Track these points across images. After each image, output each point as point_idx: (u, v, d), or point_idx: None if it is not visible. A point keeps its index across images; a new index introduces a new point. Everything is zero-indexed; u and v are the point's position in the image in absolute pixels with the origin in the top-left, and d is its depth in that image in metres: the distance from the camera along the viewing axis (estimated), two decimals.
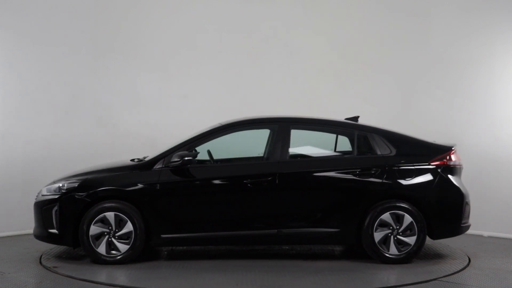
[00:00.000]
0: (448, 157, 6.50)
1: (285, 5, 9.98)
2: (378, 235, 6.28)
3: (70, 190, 6.33)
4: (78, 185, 6.34)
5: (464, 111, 8.56)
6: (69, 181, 6.43)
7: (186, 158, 6.28)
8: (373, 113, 9.31)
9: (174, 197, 6.34)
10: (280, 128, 6.60)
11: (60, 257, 6.61)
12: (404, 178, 6.39)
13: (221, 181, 6.43)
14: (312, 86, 9.94)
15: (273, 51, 9.95)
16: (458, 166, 6.61)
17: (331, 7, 9.88)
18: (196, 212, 6.36)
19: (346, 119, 7.10)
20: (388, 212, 6.30)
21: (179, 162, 6.28)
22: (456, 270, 6.01)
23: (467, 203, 6.56)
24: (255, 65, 9.93)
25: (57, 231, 6.29)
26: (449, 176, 6.46)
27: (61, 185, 6.42)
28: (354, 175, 6.37)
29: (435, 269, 6.03)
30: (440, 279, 5.66)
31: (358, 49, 9.66)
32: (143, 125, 9.24)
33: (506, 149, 8.09)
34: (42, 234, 6.44)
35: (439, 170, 6.43)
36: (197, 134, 6.68)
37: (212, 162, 6.98)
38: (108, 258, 6.20)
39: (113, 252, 6.22)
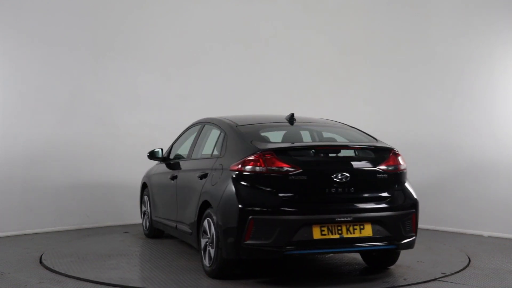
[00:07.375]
0: (246, 163, 5.22)
1: (285, 5, 9.99)
2: (203, 242, 5.72)
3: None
4: (146, 173, 8.15)
5: (464, 111, 8.55)
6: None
7: (147, 154, 7.47)
8: (373, 113, 9.31)
9: (152, 187, 7.70)
10: (199, 129, 6.86)
11: (60, 257, 6.61)
12: (211, 184, 5.66)
13: (164, 176, 7.19)
14: (312, 86, 9.95)
15: (273, 51, 9.96)
16: (267, 174, 5.15)
17: (331, 8, 9.89)
18: (158, 202, 7.48)
19: (286, 118, 6.20)
20: (206, 219, 5.66)
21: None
22: (456, 270, 6.00)
23: (260, 220, 5.08)
24: (255, 65, 9.94)
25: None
26: (241, 183, 5.22)
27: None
28: (196, 177, 6.03)
29: (435, 269, 6.02)
30: (440, 279, 5.65)
31: (358, 49, 9.67)
32: (143, 125, 9.25)
33: (506, 149, 8.08)
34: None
35: (233, 177, 5.29)
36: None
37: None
38: (144, 232, 8.07)
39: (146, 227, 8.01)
